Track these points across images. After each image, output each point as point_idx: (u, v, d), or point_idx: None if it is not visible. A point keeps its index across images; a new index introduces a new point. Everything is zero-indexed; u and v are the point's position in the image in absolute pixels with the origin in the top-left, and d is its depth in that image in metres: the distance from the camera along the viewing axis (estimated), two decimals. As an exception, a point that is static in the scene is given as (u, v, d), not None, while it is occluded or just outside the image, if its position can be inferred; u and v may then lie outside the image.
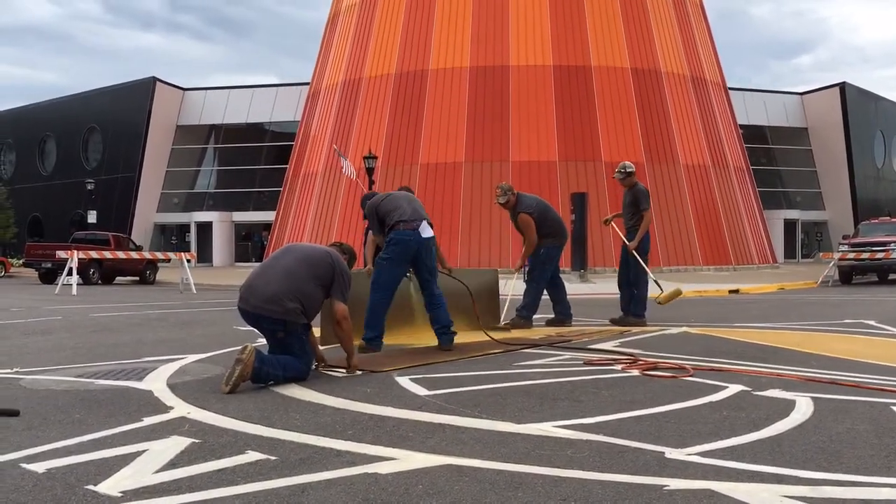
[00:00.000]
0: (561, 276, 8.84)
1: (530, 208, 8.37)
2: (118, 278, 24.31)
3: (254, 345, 4.66)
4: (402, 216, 6.31)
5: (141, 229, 41.60)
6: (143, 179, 42.09)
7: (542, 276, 8.45)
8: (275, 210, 34.85)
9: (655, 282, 8.88)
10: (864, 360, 5.66)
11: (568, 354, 6.10)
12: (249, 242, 43.79)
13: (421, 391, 4.49)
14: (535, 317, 8.45)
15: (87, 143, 45.79)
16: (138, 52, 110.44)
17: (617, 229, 9.47)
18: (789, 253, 43.43)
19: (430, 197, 24.82)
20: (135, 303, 13.57)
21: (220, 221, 42.13)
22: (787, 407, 3.97)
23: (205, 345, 6.82)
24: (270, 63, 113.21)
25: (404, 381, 4.80)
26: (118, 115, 42.90)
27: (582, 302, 12.17)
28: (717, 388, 4.48)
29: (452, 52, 27.15)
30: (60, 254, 18.86)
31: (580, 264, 18.77)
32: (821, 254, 27.29)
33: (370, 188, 22.84)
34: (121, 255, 20.94)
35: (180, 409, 3.99)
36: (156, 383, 4.77)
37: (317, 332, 5.75)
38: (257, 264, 5.64)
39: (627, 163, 8.98)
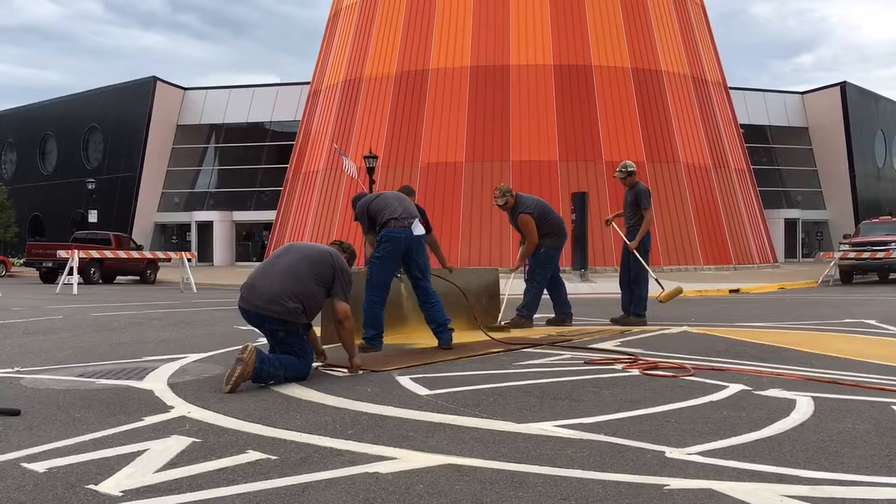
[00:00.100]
0: (561, 275, 8.84)
1: (530, 208, 8.36)
2: (119, 278, 24.32)
3: (254, 344, 4.67)
4: (393, 214, 6.33)
5: (142, 229, 41.63)
6: (144, 179, 42.11)
7: (543, 276, 8.44)
8: (275, 209, 34.87)
9: (657, 280, 8.88)
10: (865, 359, 5.66)
11: (568, 354, 6.10)
12: (250, 242, 43.84)
13: (421, 391, 4.49)
14: (535, 316, 8.45)
15: (87, 142, 45.81)
16: (139, 51, 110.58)
17: (617, 229, 9.47)
18: (790, 252, 43.43)
19: (431, 197, 24.84)
20: (135, 302, 13.57)
21: (220, 221, 42.15)
22: (787, 406, 3.96)
23: (205, 344, 6.83)
24: (271, 62, 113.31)
25: (405, 381, 4.80)
26: (119, 115, 42.92)
27: (582, 301, 12.17)
28: (718, 388, 4.48)
29: (453, 51, 27.14)
30: (61, 253, 18.87)
31: (581, 264, 18.77)
32: (821, 253, 27.27)
33: (370, 188, 22.84)
34: (121, 254, 20.93)
35: (181, 408, 3.99)
36: (156, 383, 4.77)
37: (317, 331, 5.74)
38: (258, 264, 5.64)
39: (628, 162, 8.97)
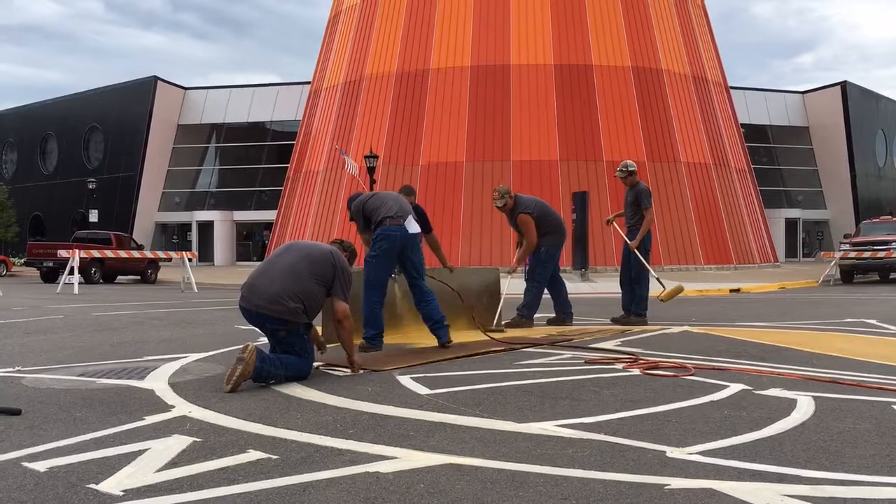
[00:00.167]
0: (561, 275, 8.83)
1: (529, 208, 8.36)
2: (119, 277, 24.32)
3: (255, 344, 4.67)
4: (389, 212, 6.34)
5: (142, 228, 41.65)
6: (145, 178, 42.13)
7: (543, 275, 8.44)
8: (276, 209, 34.87)
9: (658, 280, 8.87)
10: (866, 359, 5.66)
11: (569, 353, 6.10)
12: (251, 242, 43.85)
13: (422, 390, 4.49)
14: (535, 316, 8.44)
15: (88, 142, 45.83)
16: (140, 51, 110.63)
17: (618, 228, 9.47)
18: (790, 252, 43.44)
19: (432, 196, 24.84)
20: (136, 302, 13.57)
21: (221, 220, 42.17)
22: (788, 406, 3.96)
23: (206, 344, 6.83)
24: (271, 62, 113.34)
25: (405, 380, 4.80)
26: (120, 115, 42.94)
27: (583, 301, 12.17)
28: (719, 388, 4.48)
29: (453, 51, 27.14)
30: (62, 253, 18.89)
31: (581, 263, 18.77)
32: (822, 253, 27.28)
33: (371, 188, 22.85)
34: (122, 254, 20.94)
35: (182, 408, 3.99)
36: (157, 382, 4.77)
37: (318, 330, 5.74)
38: (258, 263, 5.64)
39: (629, 161, 8.97)
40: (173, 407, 4.02)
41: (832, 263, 19.85)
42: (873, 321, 8.76)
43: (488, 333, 7.11)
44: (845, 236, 21.98)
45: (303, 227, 29.47)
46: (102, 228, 31.22)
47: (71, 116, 45.52)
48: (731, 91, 33.64)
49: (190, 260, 18.98)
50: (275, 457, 3.05)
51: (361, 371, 5.15)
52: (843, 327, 8.19)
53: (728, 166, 29.73)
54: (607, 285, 15.79)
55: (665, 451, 3.10)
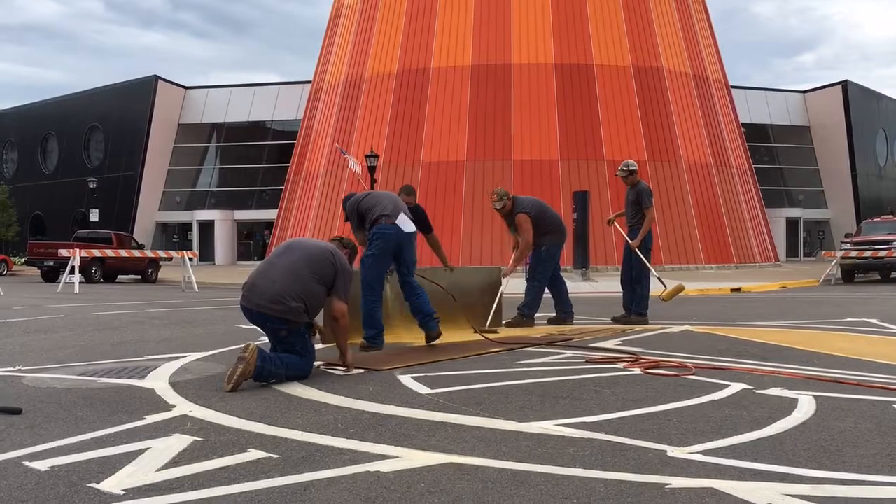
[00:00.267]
0: (562, 274, 8.83)
1: (527, 208, 8.36)
2: (120, 277, 24.33)
3: (256, 343, 4.67)
4: (384, 211, 6.35)
5: (143, 228, 41.66)
6: (145, 178, 42.14)
7: (544, 275, 8.44)
8: (277, 208, 34.88)
9: (659, 279, 8.87)
10: (867, 358, 5.66)
11: (569, 353, 6.09)
12: (251, 241, 43.86)
13: (423, 389, 4.49)
14: (536, 315, 8.44)
15: (89, 141, 45.85)
16: (140, 50, 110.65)
17: (619, 228, 9.47)
18: (791, 251, 43.43)
19: (432, 195, 24.84)
20: (137, 301, 13.58)
21: (221, 220, 42.19)
22: (789, 405, 3.96)
23: (207, 343, 6.83)
24: (272, 61, 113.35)
25: (406, 380, 4.80)
26: (120, 114, 42.96)
27: (584, 300, 12.17)
28: (720, 387, 4.47)
29: (454, 50, 27.14)
30: (63, 252, 18.89)
31: (582, 263, 18.76)
32: (823, 252, 27.26)
33: (372, 187, 22.86)
34: (123, 253, 20.95)
35: (182, 407, 3.99)
36: (158, 382, 4.77)
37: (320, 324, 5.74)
38: (259, 263, 5.64)
39: (630, 161, 8.97)
40: (174, 406, 4.02)
41: (833, 263, 19.84)
42: (874, 320, 8.75)
43: (483, 334, 7.08)
44: (846, 236, 21.97)
45: (303, 227, 29.49)
46: (103, 228, 31.24)
47: (71, 116, 45.53)
48: (732, 90, 33.63)
49: (190, 259, 18.99)
50: (276, 456, 3.05)
51: (356, 370, 5.15)
52: (844, 327, 8.19)
53: (729, 165, 29.72)
54: (608, 285, 15.79)
55: (666, 451, 3.10)
